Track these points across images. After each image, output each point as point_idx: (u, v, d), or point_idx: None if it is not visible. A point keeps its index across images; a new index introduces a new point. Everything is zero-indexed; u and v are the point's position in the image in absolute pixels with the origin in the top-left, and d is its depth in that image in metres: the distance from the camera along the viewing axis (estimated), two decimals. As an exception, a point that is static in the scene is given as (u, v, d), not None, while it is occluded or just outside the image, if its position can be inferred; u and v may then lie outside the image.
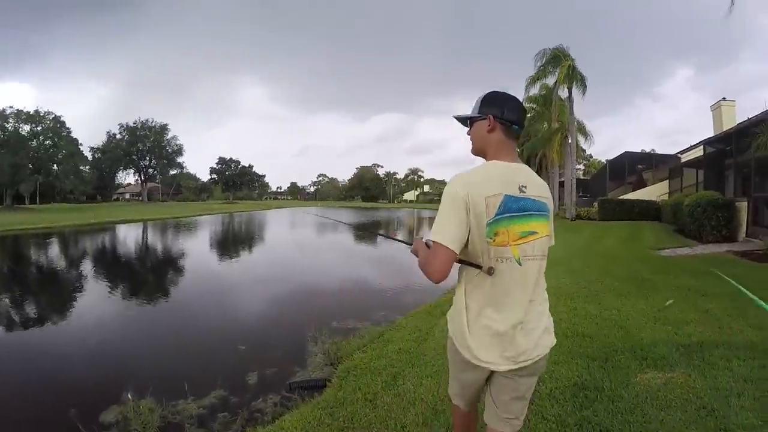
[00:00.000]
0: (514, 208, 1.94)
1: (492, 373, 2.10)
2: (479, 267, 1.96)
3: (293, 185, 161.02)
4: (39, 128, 56.78)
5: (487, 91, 2.17)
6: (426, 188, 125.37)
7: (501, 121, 2.06)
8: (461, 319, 2.07)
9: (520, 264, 1.95)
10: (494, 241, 1.91)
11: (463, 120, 2.23)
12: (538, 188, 2.04)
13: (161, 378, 5.69)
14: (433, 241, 1.90)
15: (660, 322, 6.03)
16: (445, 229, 1.89)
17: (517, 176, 2.00)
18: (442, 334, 5.83)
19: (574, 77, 28.26)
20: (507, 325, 1.97)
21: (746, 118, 16.38)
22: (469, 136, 2.21)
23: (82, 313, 9.31)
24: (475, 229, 1.91)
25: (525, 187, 1.99)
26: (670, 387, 3.98)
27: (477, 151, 2.19)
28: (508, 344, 1.99)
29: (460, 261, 2.01)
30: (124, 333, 8.01)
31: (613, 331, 5.68)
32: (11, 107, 55.12)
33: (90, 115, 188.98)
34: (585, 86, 28.52)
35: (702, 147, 22.99)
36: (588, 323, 6.04)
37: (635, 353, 4.80)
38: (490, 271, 1.93)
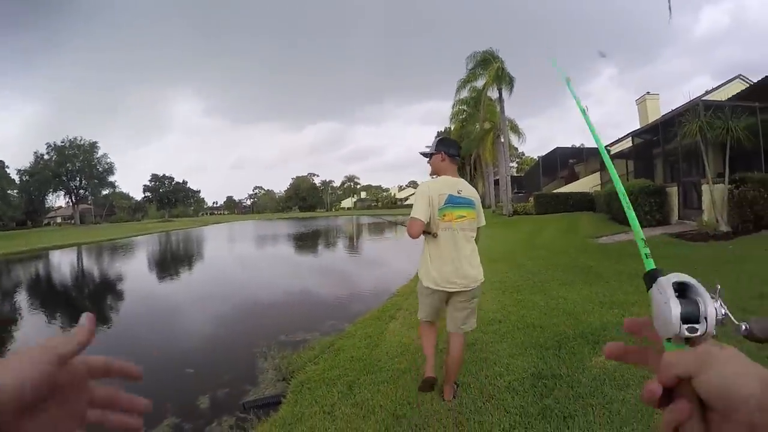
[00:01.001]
0: (454, 201, 3.67)
1: (449, 296, 3.73)
2: (431, 233, 3.66)
3: (229, 199, 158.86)
4: None
5: (439, 136, 4.20)
6: (363, 194, 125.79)
7: (448, 154, 3.85)
8: (426, 264, 3.71)
9: (456, 232, 3.66)
10: (443, 219, 3.65)
11: (426, 154, 3.99)
12: (468, 191, 3.79)
13: None
14: (412, 217, 3.58)
15: (606, 306, 6.12)
16: (419, 210, 3.58)
17: (457, 185, 3.75)
18: (394, 338, 5.78)
19: (503, 78, 28.85)
20: (447, 266, 3.62)
21: (671, 110, 17.12)
22: (430, 163, 3.96)
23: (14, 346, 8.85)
24: (432, 212, 3.63)
25: (461, 191, 3.73)
26: (625, 366, 3.96)
27: (434, 171, 3.93)
28: (451, 276, 3.62)
29: (424, 232, 3.64)
30: None
31: (562, 319, 5.72)
32: None
33: (15, 136, 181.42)
34: (512, 86, 29.28)
35: (630, 138, 23.91)
36: (537, 314, 6.08)
37: (587, 338, 4.84)
38: (435, 235, 3.65)
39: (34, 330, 10.11)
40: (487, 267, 5.08)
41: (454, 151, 3.85)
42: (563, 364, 4.22)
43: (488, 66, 29.60)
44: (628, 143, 25.26)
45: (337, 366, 5.11)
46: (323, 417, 3.89)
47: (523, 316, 6.02)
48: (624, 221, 16.15)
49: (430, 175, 3.97)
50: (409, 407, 3.77)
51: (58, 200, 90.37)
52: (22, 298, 14.66)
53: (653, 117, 23.61)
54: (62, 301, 14.37)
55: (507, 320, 5.86)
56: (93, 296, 15.08)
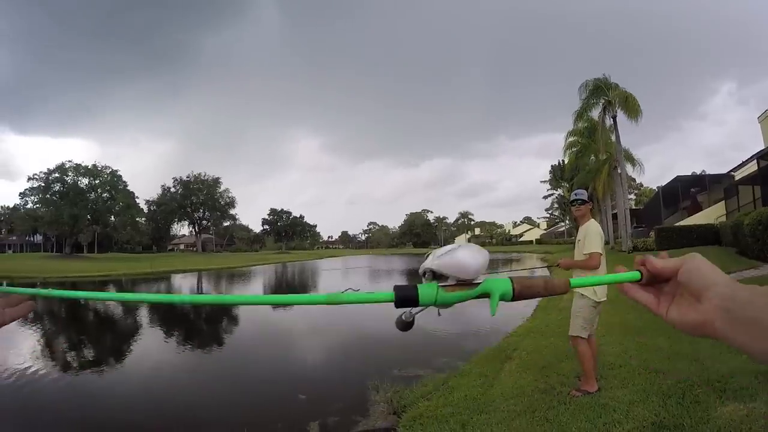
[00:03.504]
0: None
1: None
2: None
3: (344, 234, 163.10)
4: (97, 181, 59.44)
5: (583, 190, 5.61)
6: (477, 231, 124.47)
7: (585, 202, 5.15)
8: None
9: (603, 255, 4.85)
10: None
11: (581, 201, 5.18)
12: None
13: (223, 427, 5.81)
14: (597, 252, 4.78)
15: (734, 351, 5.73)
16: (600, 246, 4.80)
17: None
18: (510, 379, 5.76)
19: (629, 105, 27.85)
20: None
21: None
22: (581, 209, 5.15)
23: (141, 359, 9.64)
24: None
25: None
26: (752, 418, 3.79)
27: (581, 216, 5.15)
28: (605, 289, 4.84)
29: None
30: (182, 380, 8.20)
31: (686, 365, 5.46)
32: (70, 161, 58.31)
33: (146, 170, 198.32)
34: (638, 115, 28.04)
35: (756, 161, 22.21)
36: (659, 358, 5.85)
37: (713, 386, 4.60)
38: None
39: (148, 344, 10.89)
40: (606, 308, 5.03)
41: (587, 197, 5.27)
42: (686, 414, 4.03)
43: (601, 94, 28.88)
44: (752, 167, 23.52)
45: (450, 404, 5.20)
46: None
47: (645, 360, 5.82)
48: (753, 255, 15.05)
49: (573, 220, 5.20)
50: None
51: (182, 229, 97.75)
52: (141, 315, 15.77)
53: (778, 135, 21.94)
54: (179, 320, 15.29)
55: (628, 365, 5.68)
56: (209, 318, 15.89)
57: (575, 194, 5.24)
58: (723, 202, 29.29)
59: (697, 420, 3.90)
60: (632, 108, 27.87)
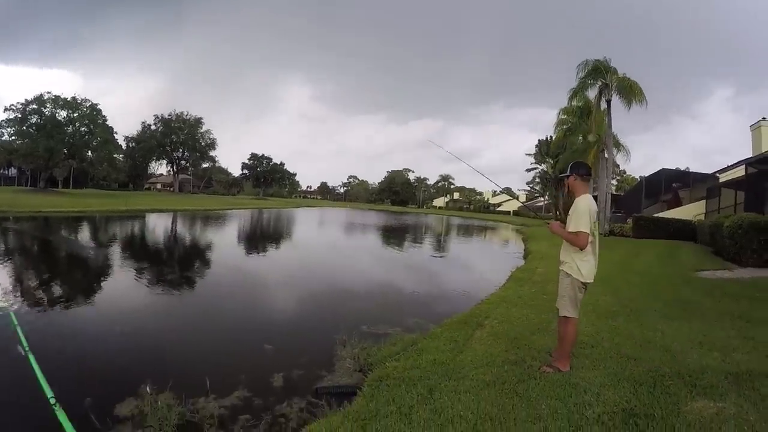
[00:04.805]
0: (597, 216, 4.74)
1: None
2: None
3: (323, 185, 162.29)
4: (75, 114, 57.50)
5: (572, 162, 5.36)
6: (456, 195, 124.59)
7: (579, 175, 4.86)
8: (584, 263, 4.66)
9: (595, 237, 4.67)
10: (594, 227, 4.64)
11: (563, 176, 5.30)
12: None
13: (182, 371, 5.65)
14: (582, 231, 4.52)
15: (706, 347, 5.72)
16: (586, 224, 4.53)
17: (593, 202, 4.75)
18: (480, 347, 5.69)
19: (633, 90, 27.59)
20: (594, 263, 4.72)
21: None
22: (569, 182, 4.95)
23: (107, 298, 9.41)
24: (591, 223, 4.57)
25: (596, 206, 4.79)
26: (722, 418, 3.72)
27: (571, 190, 4.94)
28: (594, 271, 4.73)
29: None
30: (146, 322, 7.98)
31: (658, 353, 5.41)
32: (48, 92, 56.15)
33: (132, 106, 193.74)
34: (642, 100, 27.82)
35: (744, 167, 22.31)
36: (631, 344, 5.79)
37: (684, 379, 4.53)
38: (589, 240, 4.59)
39: (120, 283, 10.70)
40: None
41: (584, 171, 4.94)
42: (657, 404, 3.96)
43: (599, 75, 28.61)
44: (738, 171, 23.61)
45: (418, 366, 5.11)
46: (399, 418, 3.86)
47: (617, 344, 5.76)
48: (728, 257, 15.17)
49: (567, 193, 5.00)
50: (491, 423, 3.69)
51: (160, 168, 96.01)
52: (114, 252, 15.56)
53: (768, 145, 22.07)
54: (151, 259, 15.10)
55: (600, 346, 5.63)
56: (181, 260, 15.74)
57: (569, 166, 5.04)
58: (704, 201, 29.51)
59: (668, 411, 3.82)
60: (636, 94, 27.57)
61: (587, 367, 4.88)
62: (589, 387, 4.29)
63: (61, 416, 3.81)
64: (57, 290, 9.85)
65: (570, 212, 4.70)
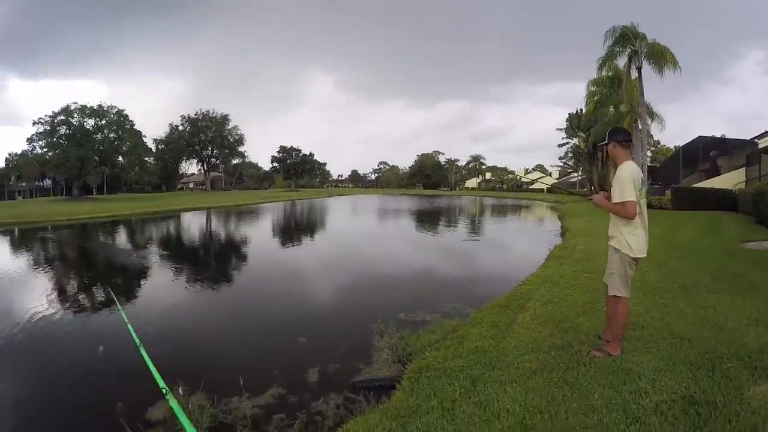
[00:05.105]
0: (642, 183, 4.39)
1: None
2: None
3: (354, 173, 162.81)
4: (103, 122, 58.44)
5: (609, 129, 4.81)
6: (488, 175, 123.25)
7: (617, 141, 4.54)
8: (633, 237, 4.35)
9: (642, 207, 4.38)
10: (641, 197, 4.37)
11: (601, 144, 4.76)
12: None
13: (216, 370, 5.62)
14: (629, 200, 4.19)
15: (762, 324, 5.38)
16: (632, 193, 4.21)
17: (638, 168, 4.42)
18: (524, 332, 5.47)
19: (664, 56, 26.75)
20: (645, 235, 4.43)
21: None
22: (607, 150, 4.61)
23: (142, 299, 9.48)
24: (636, 192, 4.26)
25: (641, 173, 4.44)
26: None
27: (612, 158, 4.60)
28: (645, 244, 4.43)
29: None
30: (177, 318, 8.06)
31: (712, 333, 5.08)
32: (75, 103, 57.19)
33: (159, 109, 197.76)
34: (675, 61, 26.91)
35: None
36: (683, 323, 5.47)
37: (743, 361, 4.24)
38: (637, 209, 4.27)
39: (159, 281, 10.75)
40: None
41: (622, 137, 4.59)
42: (718, 390, 3.68)
43: (627, 42, 27.76)
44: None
45: (460, 356, 4.92)
46: (442, 414, 3.68)
47: (668, 324, 5.45)
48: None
49: (606, 163, 4.96)
50: (541, 417, 3.48)
51: (190, 168, 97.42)
52: (152, 252, 15.66)
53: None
54: (183, 258, 15.17)
55: (650, 326, 5.34)
56: (214, 256, 15.83)
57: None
58: (744, 168, 28.46)
59: (731, 398, 3.55)
60: (668, 59, 26.62)
61: (639, 350, 4.62)
62: (643, 372, 4.05)
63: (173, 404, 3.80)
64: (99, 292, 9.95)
65: (613, 182, 4.40)
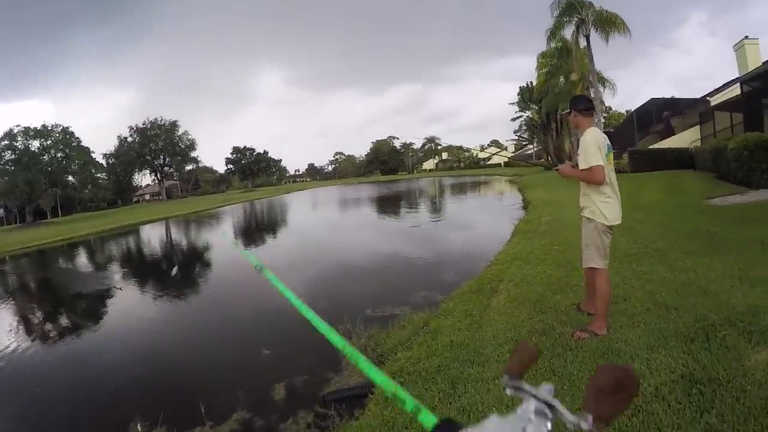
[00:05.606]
0: (610, 147, 4.32)
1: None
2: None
3: (311, 166, 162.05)
4: (49, 142, 56.72)
5: (571, 98, 5.10)
6: (444, 155, 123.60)
7: (577, 110, 4.42)
8: (605, 203, 4.24)
9: (613, 173, 4.34)
10: (609, 162, 4.27)
11: (564, 112, 5.09)
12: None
13: (174, 397, 5.21)
14: (596, 165, 4.09)
15: (747, 283, 5.08)
16: (598, 157, 4.10)
17: (602, 134, 4.31)
18: (501, 318, 5.09)
19: (609, 21, 26.75)
20: (617, 202, 4.32)
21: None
22: (571, 119, 4.57)
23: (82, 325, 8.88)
24: (602, 157, 4.14)
25: (606, 139, 4.31)
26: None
27: (575, 127, 4.76)
28: (619, 210, 4.35)
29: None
30: (126, 341, 7.63)
31: (699, 299, 4.74)
32: (18, 125, 55.37)
33: (108, 122, 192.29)
34: (625, 27, 26.92)
35: (739, 86, 21.60)
36: (666, 291, 5.14)
37: (736, 326, 3.91)
38: (606, 176, 4.19)
39: (125, 298, 10.20)
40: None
41: (583, 105, 4.45)
42: (718, 364, 3.33)
43: (573, 12, 27.69)
44: (729, 93, 22.86)
45: (435, 354, 4.53)
46: (420, 426, 3.23)
47: (650, 292, 5.12)
48: (736, 181, 14.55)
49: (561, 132, 4.75)
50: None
51: (144, 179, 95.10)
52: (112, 270, 15.05)
53: (754, 64, 21.42)
54: (145, 270, 14.61)
55: (633, 298, 5.01)
56: (175, 265, 15.33)
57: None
58: (698, 126, 28.74)
59: (733, 372, 3.20)
60: (618, 25, 26.66)
61: (626, 325, 4.29)
62: (635, 352, 3.70)
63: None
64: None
65: (579, 151, 4.22)
